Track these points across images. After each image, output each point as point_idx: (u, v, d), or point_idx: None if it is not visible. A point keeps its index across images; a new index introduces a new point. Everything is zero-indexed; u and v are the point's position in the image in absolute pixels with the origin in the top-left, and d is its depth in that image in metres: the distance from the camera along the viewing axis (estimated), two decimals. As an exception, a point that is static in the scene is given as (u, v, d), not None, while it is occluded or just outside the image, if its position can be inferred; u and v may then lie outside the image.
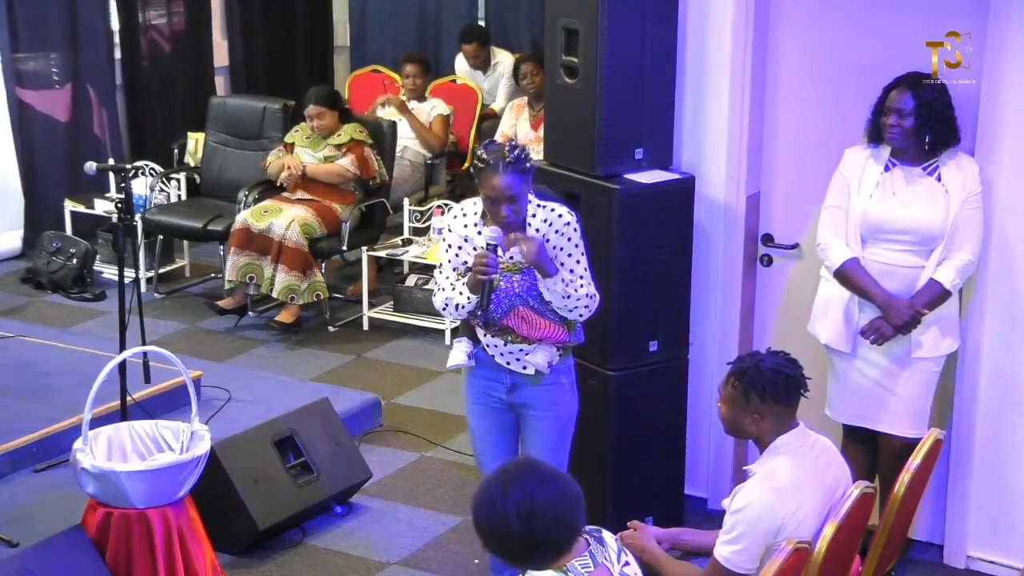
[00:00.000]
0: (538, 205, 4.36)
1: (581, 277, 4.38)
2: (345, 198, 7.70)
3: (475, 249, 4.38)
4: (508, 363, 4.47)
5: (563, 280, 4.32)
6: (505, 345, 4.44)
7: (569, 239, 4.37)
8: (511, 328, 4.42)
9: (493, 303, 4.38)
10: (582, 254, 4.40)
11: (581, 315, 4.42)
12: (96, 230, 8.31)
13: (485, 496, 3.06)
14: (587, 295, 4.38)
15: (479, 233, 4.39)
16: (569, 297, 4.33)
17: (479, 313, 4.40)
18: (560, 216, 4.36)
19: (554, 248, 4.34)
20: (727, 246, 5.38)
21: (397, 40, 10.25)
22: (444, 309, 4.46)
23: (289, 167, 7.63)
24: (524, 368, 4.46)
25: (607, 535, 3.25)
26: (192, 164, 8.60)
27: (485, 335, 4.48)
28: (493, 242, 4.28)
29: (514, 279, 4.37)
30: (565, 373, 4.54)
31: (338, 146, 7.69)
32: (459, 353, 4.54)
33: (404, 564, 5.25)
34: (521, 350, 4.44)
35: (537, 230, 4.33)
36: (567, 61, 5.11)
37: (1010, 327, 4.95)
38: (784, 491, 3.83)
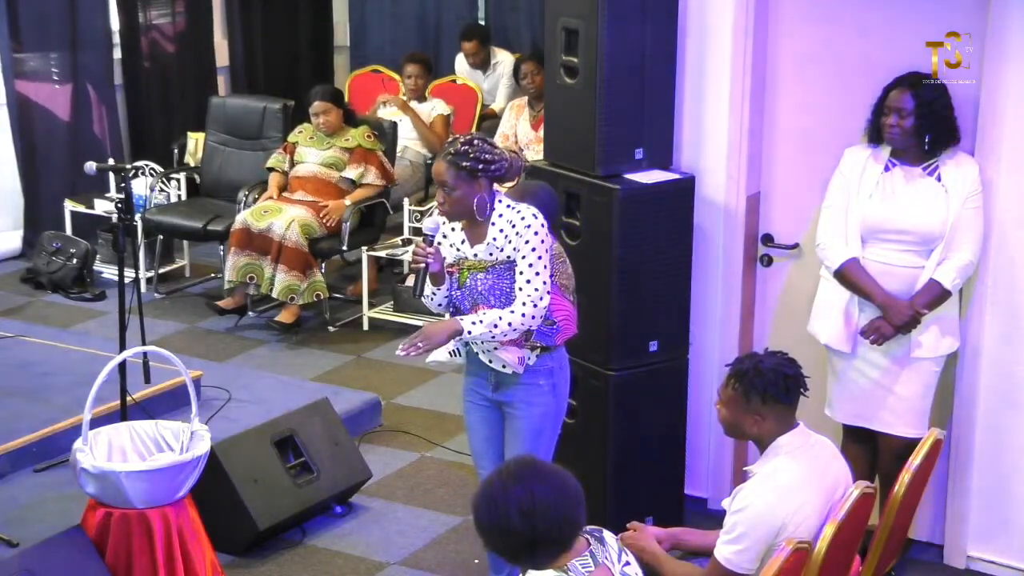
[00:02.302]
0: (507, 206, 4.39)
1: (529, 281, 4.33)
2: (345, 198, 7.69)
3: (451, 244, 4.44)
4: (490, 360, 4.48)
5: (475, 324, 4.30)
6: (483, 343, 4.46)
7: (527, 241, 4.33)
8: None
9: (459, 299, 4.44)
10: (538, 258, 4.34)
11: (529, 326, 4.38)
12: (96, 230, 8.30)
13: (486, 494, 3.06)
14: (522, 315, 4.32)
15: (453, 229, 4.46)
16: (495, 333, 4.32)
17: (450, 308, 4.47)
18: (523, 219, 4.36)
19: (515, 249, 4.36)
20: (727, 246, 5.37)
21: (397, 40, 10.24)
22: (424, 301, 4.53)
23: (332, 215, 7.52)
24: (503, 366, 4.46)
25: (608, 535, 3.25)
26: (192, 164, 8.59)
27: None
28: (430, 233, 4.41)
29: (479, 277, 4.40)
30: (545, 375, 4.50)
31: (345, 149, 7.68)
32: (442, 350, 4.56)
33: (404, 564, 5.25)
34: (496, 348, 4.44)
35: (501, 230, 4.35)
36: (567, 61, 5.11)
37: (1010, 327, 4.94)
38: (785, 491, 3.83)
